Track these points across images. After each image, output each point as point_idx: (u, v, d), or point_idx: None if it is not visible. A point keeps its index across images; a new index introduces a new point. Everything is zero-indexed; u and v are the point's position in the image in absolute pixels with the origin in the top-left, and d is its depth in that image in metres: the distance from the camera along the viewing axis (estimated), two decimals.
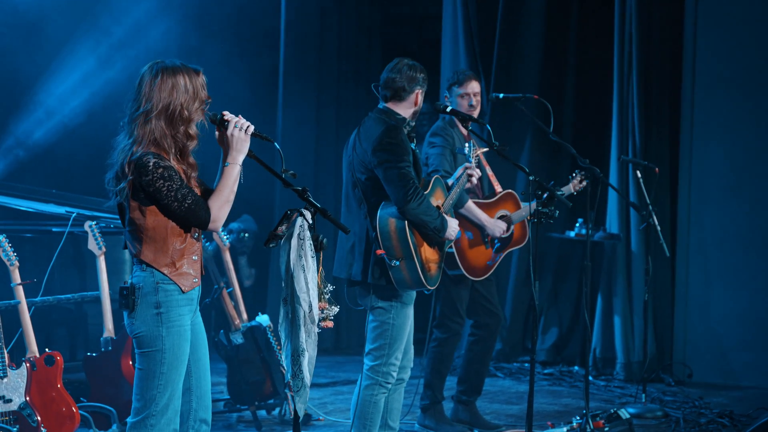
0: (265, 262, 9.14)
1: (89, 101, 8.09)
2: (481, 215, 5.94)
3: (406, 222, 4.71)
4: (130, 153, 3.67)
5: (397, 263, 4.70)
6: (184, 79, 3.72)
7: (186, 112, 3.71)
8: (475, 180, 5.29)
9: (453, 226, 4.91)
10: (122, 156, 3.69)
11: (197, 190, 3.81)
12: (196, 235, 3.81)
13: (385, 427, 4.98)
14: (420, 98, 4.89)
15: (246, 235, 8.64)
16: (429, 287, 4.80)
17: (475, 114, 6.01)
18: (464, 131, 5.96)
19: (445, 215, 4.89)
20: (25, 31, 8.10)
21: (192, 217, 3.71)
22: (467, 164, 5.28)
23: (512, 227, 6.07)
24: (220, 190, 3.75)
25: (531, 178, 5.11)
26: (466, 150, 5.33)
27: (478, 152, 5.44)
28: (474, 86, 6.03)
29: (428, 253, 4.83)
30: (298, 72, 9.21)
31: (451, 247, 5.17)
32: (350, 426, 4.91)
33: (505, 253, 6.14)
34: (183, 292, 3.75)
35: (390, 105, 4.89)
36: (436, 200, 4.98)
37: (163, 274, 3.72)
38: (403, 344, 4.86)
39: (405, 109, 4.88)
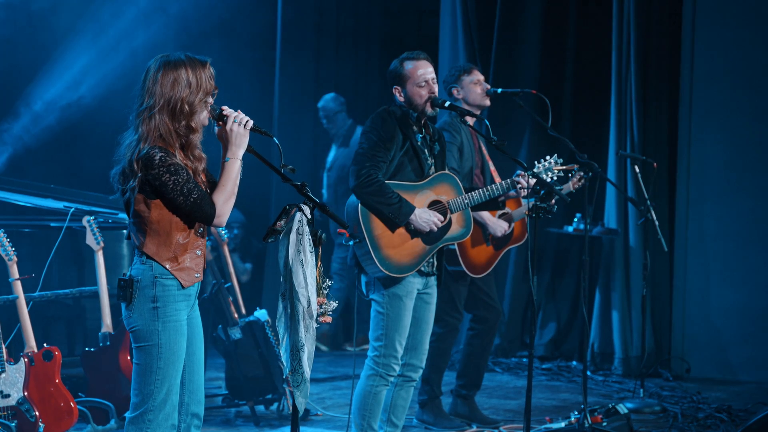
0: (261, 256, 9.13)
1: (88, 95, 8.08)
2: (484, 213, 5.92)
3: (359, 204, 4.75)
4: (137, 150, 3.67)
5: (351, 243, 4.75)
6: (186, 73, 3.71)
7: (187, 107, 3.71)
8: (521, 187, 5.21)
9: (424, 217, 4.79)
10: (129, 153, 3.69)
11: (205, 183, 3.82)
12: (201, 230, 3.81)
13: (389, 423, 4.98)
14: (397, 94, 4.90)
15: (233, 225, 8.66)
16: (385, 271, 4.73)
17: (488, 102, 6.03)
18: (471, 123, 5.94)
19: (411, 203, 4.78)
20: (25, 25, 8.09)
21: (197, 212, 3.71)
22: (520, 172, 5.21)
23: (512, 225, 6.06)
24: (223, 186, 3.75)
25: (529, 173, 5.10)
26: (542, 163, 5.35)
27: (557, 168, 5.43)
28: (479, 73, 6.07)
29: (387, 238, 4.78)
30: (295, 67, 9.21)
31: (453, 244, 5.12)
32: (348, 418, 4.92)
33: (505, 250, 6.13)
34: (183, 287, 3.75)
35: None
36: (438, 195, 4.94)
37: (164, 268, 3.72)
38: (402, 337, 4.84)
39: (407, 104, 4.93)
